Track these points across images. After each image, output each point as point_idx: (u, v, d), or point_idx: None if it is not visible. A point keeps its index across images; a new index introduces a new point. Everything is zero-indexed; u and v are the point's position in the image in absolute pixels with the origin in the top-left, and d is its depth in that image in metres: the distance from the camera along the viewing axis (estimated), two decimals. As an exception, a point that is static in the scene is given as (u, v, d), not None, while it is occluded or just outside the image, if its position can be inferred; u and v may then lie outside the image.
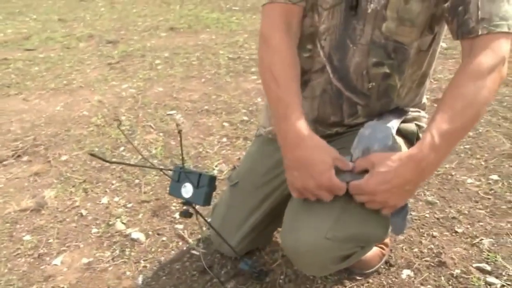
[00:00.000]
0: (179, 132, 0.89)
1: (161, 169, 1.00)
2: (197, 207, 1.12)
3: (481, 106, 0.94)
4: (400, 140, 1.17)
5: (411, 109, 1.24)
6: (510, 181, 1.94)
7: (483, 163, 2.09)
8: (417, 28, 1.05)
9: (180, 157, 2.18)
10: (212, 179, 1.07)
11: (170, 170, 1.07)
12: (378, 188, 0.95)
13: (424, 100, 1.30)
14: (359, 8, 1.04)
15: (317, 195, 1.01)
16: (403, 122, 1.20)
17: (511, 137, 2.30)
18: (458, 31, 0.98)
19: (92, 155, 0.71)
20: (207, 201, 1.06)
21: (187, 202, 1.08)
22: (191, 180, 1.06)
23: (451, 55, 3.44)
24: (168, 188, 1.92)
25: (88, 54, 3.98)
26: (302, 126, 1.02)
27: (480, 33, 0.94)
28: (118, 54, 3.89)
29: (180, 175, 1.09)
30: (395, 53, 1.08)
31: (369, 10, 1.04)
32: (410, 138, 1.22)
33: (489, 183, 1.93)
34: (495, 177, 1.97)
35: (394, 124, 1.13)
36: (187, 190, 1.07)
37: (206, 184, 1.05)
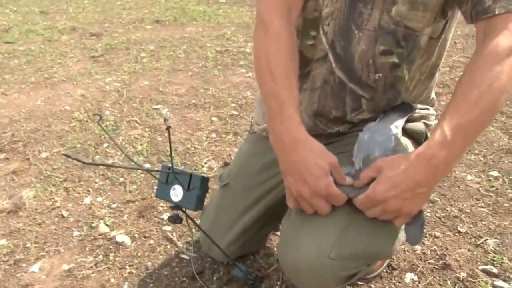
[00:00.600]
0: (168, 128, 0.79)
1: (147, 170, 0.90)
2: (187, 211, 1.01)
3: (499, 94, 0.82)
4: (406, 141, 1.07)
5: (419, 105, 1.14)
6: (511, 177, 1.87)
7: (482, 158, 2.02)
8: (430, 13, 0.94)
9: (168, 155, 2.09)
10: (204, 180, 0.96)
11: (158, 171, 0.97)
12: (387, 194, 0.85)
13: (433, 95, 1.20)
14: None
15: (313, 204, 0.91)
16: (410, 121, 1.11)
17: (508, 132, 2.24)
18: (473, 12, 0.88)
19: (66, 156, 0.61)
20: (199, 205, 0.96)
21: (176, 206, 0.98)
22: (180, 181, 0.96)
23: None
24: (155, 189, 1.82)
25: (70, 47, 3.84)
26: (298, 127, 0.92)
27: (497, 12, 0.84)
28: (102, 47, 3.75)
29: (169, 176, 0.98)
30: (406, 41, 0.98)
31: None
32: (418, 139, 1.12)
33: (490, 180, 1.86)
34: (495, 173, 1.90)
35: (398, 123, 1.04)
36: (177, 192, 0.97)
37: (197, 186, 0.95)
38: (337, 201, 0.90)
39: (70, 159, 2.07)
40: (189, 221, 1.05)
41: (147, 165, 1.99)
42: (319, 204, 0.90)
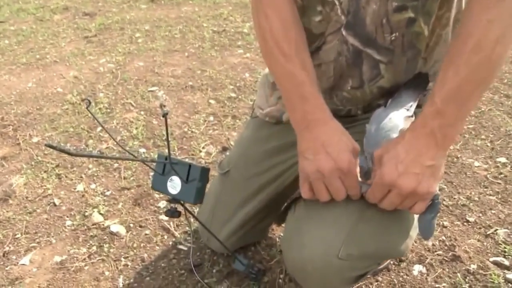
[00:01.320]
0: (165, 115, 0.71)
1: (142, 161, 0.83)
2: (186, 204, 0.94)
3: (493, 46, 0.73)
4: None
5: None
6: (520, 164, 1.81)
7: (488, 144, 1.95)
8: None
9: (164, 139, 2.01)
10: (205, 171, 0.89)
11: (154, 161, 0.89)
12: (396, 173, 0.78)
13: None
14: None
15: (331, 185, 0.83)
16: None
17: (515, 116, 2.17)
18: None
19: (50, 146, 0.53)
20: (198, 198, 0.88)
21: (174, 199, 0.90)
22: (179, 172, 0.88)
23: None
24: (151, 176, 1.74)
25: (63, 27, 3.72)
26: (324, 108, 0.87)
27: None
28: (95, 27, 3.64)
29: (166, 166, 0.91)
30: None
31: None
32: None
33: (497, 167, 1.80)
34: (503, 159, 1.84)
35: (409, 105, 0.96)
36: (174, 184, 0.89)
37: (197, 178, 0.87)
38: (353, 186, 0.84)
39: (62, 143, 2.00)
40: (188, 214, 0.98)
41: (143, 150, 1.92)
42: (337, 185, 0.83)
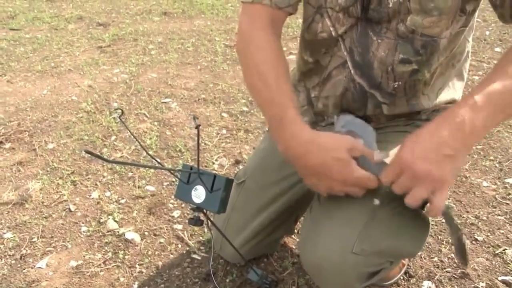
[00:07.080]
0: (197, 127, 0.75)
1: (170, 170, 0.86)
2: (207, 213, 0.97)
3: None
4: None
5: (444, 104, 1.10)
6: (528, 185, 1.83)
7: (497, 165, 1.97)
8: (446, 16, 0.90)
9: (178, 150, 2.04)
10: (229, 182, 0.92)
11: (181, 171, 0.92)
12: (412, 154, 0.77)
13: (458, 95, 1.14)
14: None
15: (346, 192, 0.88)
16: None
17: (523, 139, 2.19)
18: None
19: (88, 152, 0.56)
20: (222, 208, 0.91)
21: (198, 208, 0.93)
22: (204, 182, 0.91)
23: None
24: (165, 185, 1.77)
25: (77, 36, 3.79)
26: (302, 128, 0.89)
27: None
28: (109, 38, 3.70)
29: (190, 176, 0.94)
30: (424, 48, 0.94)
31: (391, 4, 0.90)
32: None
33: (506, 187, 1.82)
34: (511, 180, 1.86)
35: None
36: (199, 193, 0.92)
37: (222, 188, 0.90)
38: (369, 184, 0.86)
39: (77, 151, 2.03)
40: (208, 223, 1.01)
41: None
42: (353, 190, 0.87)
